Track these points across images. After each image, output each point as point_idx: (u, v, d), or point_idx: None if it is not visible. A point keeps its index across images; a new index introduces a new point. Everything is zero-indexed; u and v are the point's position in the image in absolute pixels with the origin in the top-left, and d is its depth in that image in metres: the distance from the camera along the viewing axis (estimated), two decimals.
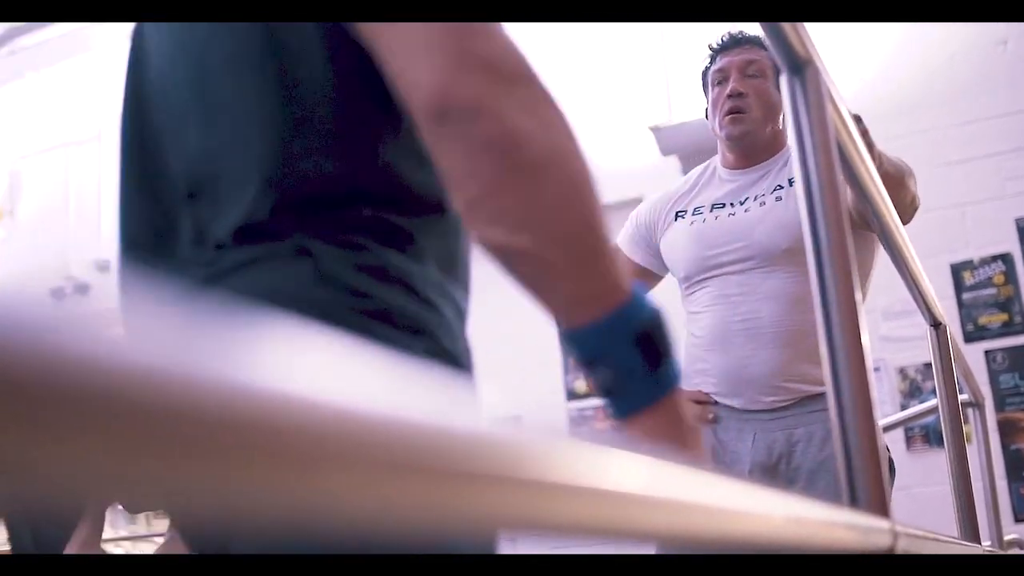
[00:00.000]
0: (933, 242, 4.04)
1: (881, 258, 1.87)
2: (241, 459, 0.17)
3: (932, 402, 2.75)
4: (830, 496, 1.73)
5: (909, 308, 3.90)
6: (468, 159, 0.70)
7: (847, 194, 1.03)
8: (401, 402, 0.20)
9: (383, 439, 0.20)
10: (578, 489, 0.25)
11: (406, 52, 0.72)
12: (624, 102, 4.80)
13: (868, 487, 0.74)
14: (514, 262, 0.71)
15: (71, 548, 2.53)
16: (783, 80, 0.86)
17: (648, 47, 4.78)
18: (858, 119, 1.69)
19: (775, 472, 1.92)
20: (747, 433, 1.94)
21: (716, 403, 1.96)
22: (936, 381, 1.71)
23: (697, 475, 0.33)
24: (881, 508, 0.73)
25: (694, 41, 2.24)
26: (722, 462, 1.96)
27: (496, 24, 0.73)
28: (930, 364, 1.74)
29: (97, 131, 6.38)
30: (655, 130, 4.48)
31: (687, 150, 4.32)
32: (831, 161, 0.83)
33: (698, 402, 1.97)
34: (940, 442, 3.89)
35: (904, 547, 0.76)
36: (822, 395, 1.90)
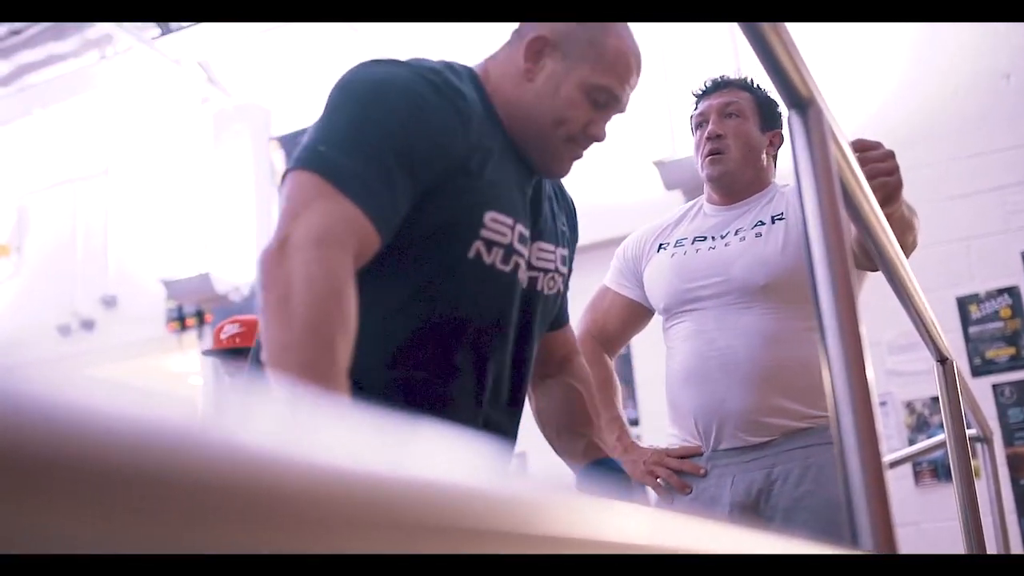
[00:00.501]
0: (938, 276, 4.04)
1: (886, 293, 1.87)
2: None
3: (940, 437, 2.73)
4: (808, 533, 1.72)
5: (915, 341, 3.88)
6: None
7: (850, 230, 1.03)
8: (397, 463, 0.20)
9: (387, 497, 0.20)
10: (573, 542, 0.24)
11: None
12: (628, 137, 4.82)
13: (875, 526, 0.73)
14: None
15: None
16: (785, 119, 0.86)
17: (651, 83, 4.80)
18: (891, 154, 1.69)
19: (756, 510, 1.91)
20: (726, 477, 1.93)
21: (702, 454, 1.95)
22: (943, 416, 1.70)
23: (696, 525, 0.32)
24: (888, 548, 0.72)
25: (697, 77, 2.27)
26: (700, 504, 1.95)
27: (314, 207, 1.11)
28: (938, 398, 1.74)
29: (104, 167, 6.41)
30: (659, 165, 4.50)
31: (690, 184, 4.33)
32: (834, 197, 0.83)
33: (685, 456, 1.97)
34: (949, 477, 3.85)
35: None
36: (801, 431, 1.89)
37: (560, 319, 1.61)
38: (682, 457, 1.96)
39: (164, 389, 0.19)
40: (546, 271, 1.42)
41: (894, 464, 2.99)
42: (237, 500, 0.18)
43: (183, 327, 5.95)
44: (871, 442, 0.79)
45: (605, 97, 1.36)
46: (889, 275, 1.27)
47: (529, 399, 1.54)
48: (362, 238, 1.13)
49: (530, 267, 1.38)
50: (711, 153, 2.06)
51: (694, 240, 2.06)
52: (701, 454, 1.95)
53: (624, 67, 1.38)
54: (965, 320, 4.15)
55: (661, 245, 2.12)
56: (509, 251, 1.31)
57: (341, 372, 1.03)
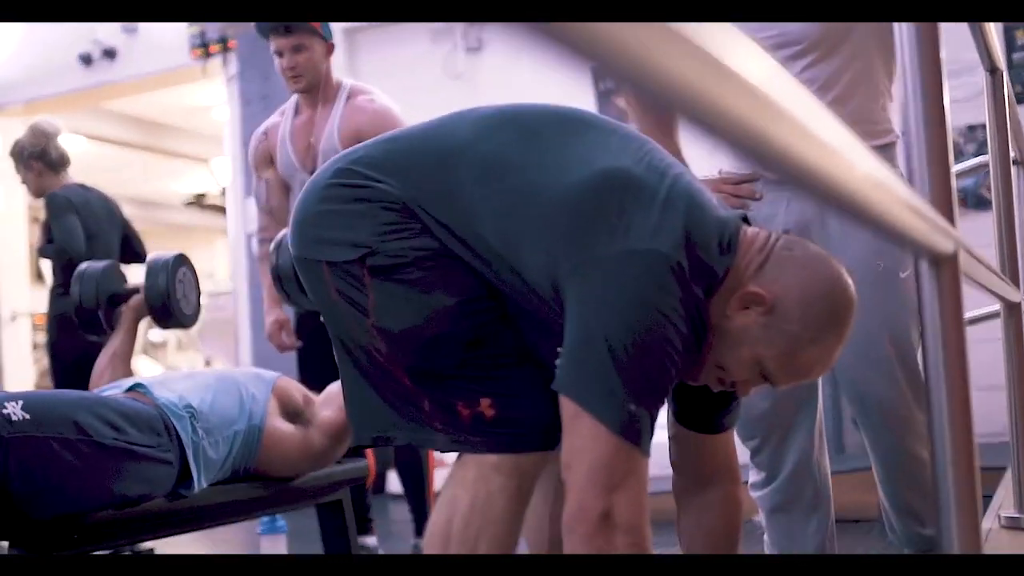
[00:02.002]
0: None
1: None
2: None
3: (975, 161, 2.72)
4: (864, 259, 1.72)
5: (956, 68, 3.78)
6: None
7: None
8: None
9: None
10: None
11: None
12: None
13: (939, 204, 0.74)
14: None
15: (102, 358, 2.50)
16: None
17: None
18: None
19: (808, 235, 1.92)
20: (781, 201, 1.93)
21: (758, 179, 1.93)
22: (988, 129, 1.68)
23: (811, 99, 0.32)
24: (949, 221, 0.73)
25: None
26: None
27: (631, 484, 1.22)
28: (974, 127, 1.71)
29: None
30: None
31: None
32: None
33: (741, 182, 1.94)
34: (978, 205, 3.85)
35: (964, 263, 0.76)
36: None
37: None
38: (738, 183, 1.95)
39: None
40: None
41: None
42: None
43: (207, 54, 5.87)
44: (942, 155, 0.79)
45: (769, 379, 1.34)
46: None
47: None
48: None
49: None
50: None
51: None
52: (757, 179, 1.93)
53: (804, 374, 1.35)
54: (1010, 46, 4.03)
55: None
56: None
57: None
